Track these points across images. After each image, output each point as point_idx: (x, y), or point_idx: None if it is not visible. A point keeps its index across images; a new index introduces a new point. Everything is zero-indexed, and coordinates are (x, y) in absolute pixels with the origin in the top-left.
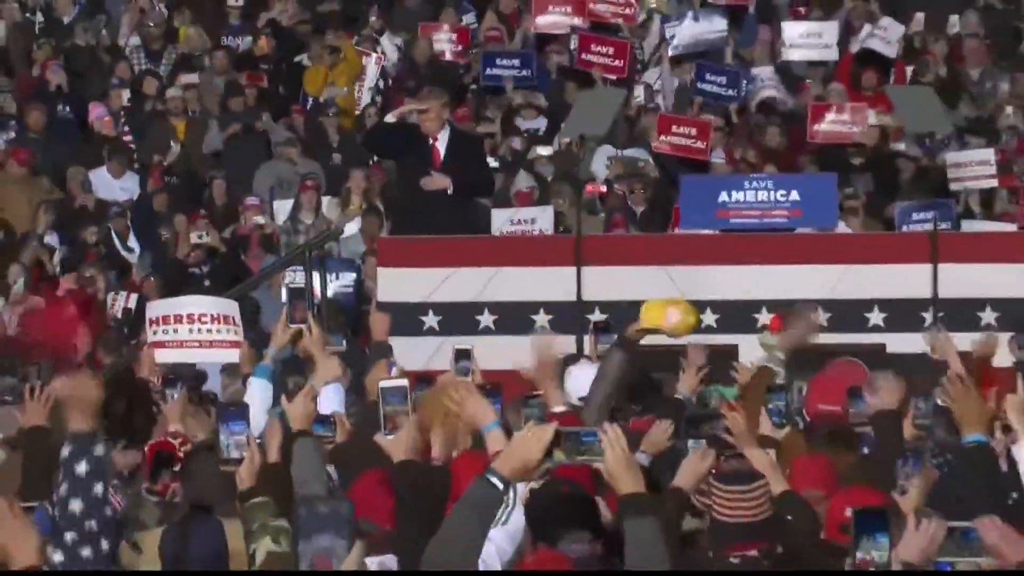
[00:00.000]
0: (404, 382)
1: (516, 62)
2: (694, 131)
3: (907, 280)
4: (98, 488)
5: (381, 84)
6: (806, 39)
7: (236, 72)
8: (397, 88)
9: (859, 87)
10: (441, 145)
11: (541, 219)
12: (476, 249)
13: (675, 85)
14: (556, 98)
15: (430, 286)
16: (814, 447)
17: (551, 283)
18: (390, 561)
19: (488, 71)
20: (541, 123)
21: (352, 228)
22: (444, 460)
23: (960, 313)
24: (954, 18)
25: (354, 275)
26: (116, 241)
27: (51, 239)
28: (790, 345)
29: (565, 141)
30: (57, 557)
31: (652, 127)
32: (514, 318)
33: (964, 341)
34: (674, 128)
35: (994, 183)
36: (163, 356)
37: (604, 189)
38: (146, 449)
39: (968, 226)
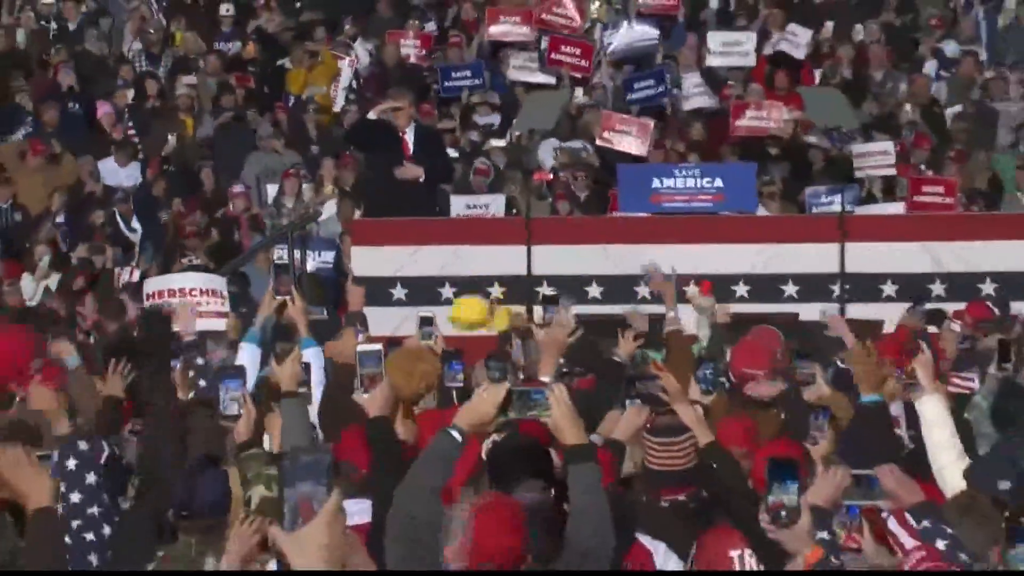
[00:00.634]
0: (379, 347)
1: (468, 72)
2: (635, 129)
3: (817, 257)
4: (90, 478)
5: (354, 84)
6: (727, 47)
7: (227, 74)
8: (368, 87)
9: (773, 87)
10: (409, 138)
11: (494, 204)
12: (438, 230)
13: (612, 86)
14: (508, 97)
15: (398, 262)
16: (737, 406)
17: (504, 260)
18: (365, 506)
19: (446, 83)
20: (495, 119)
21: (330, 211)
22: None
23: (864, 286)
24: (859, 27)
25: (333, 253)
26: (120, 222)
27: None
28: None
29: (516, 134)
30: (67, 540)
31: (593, 123)
32: (471, 290)
33: (868, 310)
34: (618, 126)
35: (893, 171)
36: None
37: (550, 177)
38: None
39: (871, 209)
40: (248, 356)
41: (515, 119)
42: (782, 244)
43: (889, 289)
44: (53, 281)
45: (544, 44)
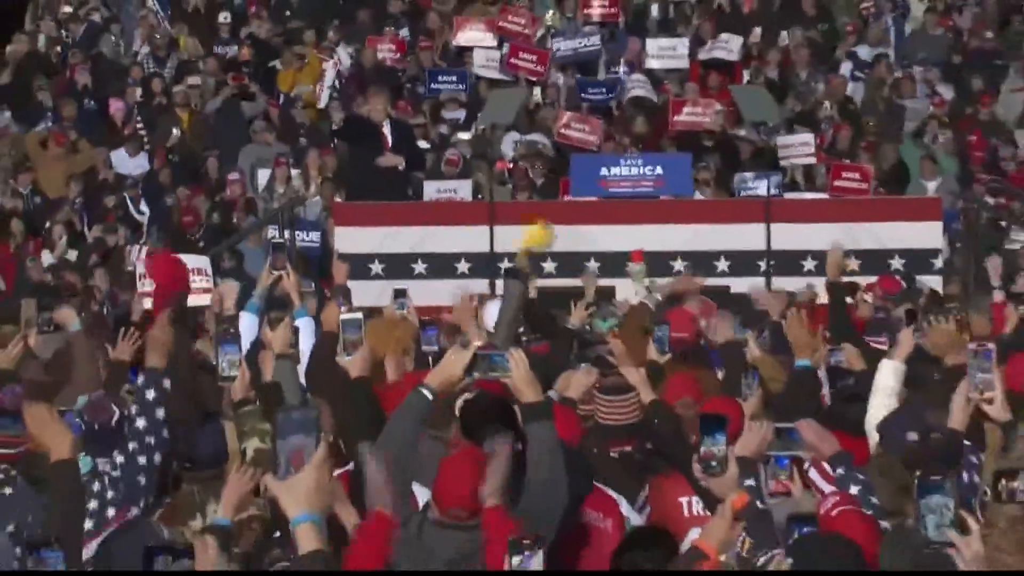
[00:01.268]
0: (359, 315)
1: (454, 78)
2: (587, 127)
3: (746, 236)
4: (159, 412)
5: (337, 83)
6: (664, 51)
7: (224, 74)
8: (349, 86)
9: (707, 87)
10: (387, 131)
11: (461, 190)
12: (411, 212)
13: (564, 86)
14: (474, 96)
15: (376, 241)
16: (675, 366)
17: (470, 239)
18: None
19: (432, 85)
20: (461, 114)
21: (315, 195)
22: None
23: (787, 262)
24: (784, 33)
25: (319, 233)
26: (130, 206)
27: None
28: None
29: (481, 128)
30: (119, 459)
31: (549, 118)
32: (441, 266)
33: (791, 283)
34: (574, 124)
35: (813, 160)
36: (149, 303)
37: (511, 165)
38: None
39: (793, 194)
40: (247, 323)
41: (480, 114)
42: (715, 224)
43: (809, 264)
44: (69, 257)
45: (505, 49)
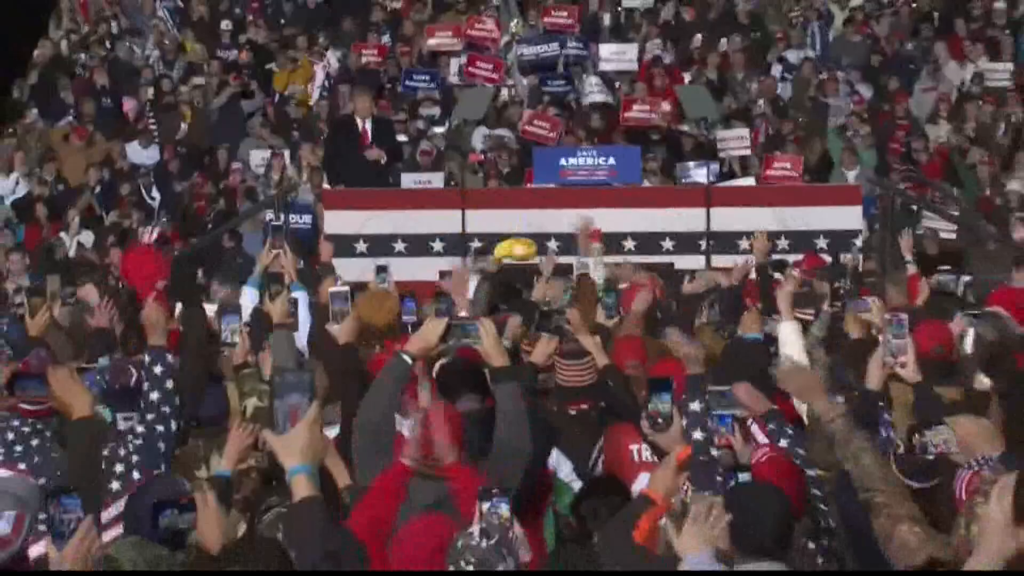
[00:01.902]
0: (346, 289)
1: (426, 77)
2: (548, 125)
3: (688, 219)
4: (169, 384)
5: (327, 84)
6: (615, 55)
7: (226, 75)
8: (337, 86)
9: (654, 86)
10: (369, 127)
11: (436, 179)
12: (392, 198)
13: (527, 86)
14: (446, 94)
15: (360, 222)
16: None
17: (444, 222)
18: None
19: (407, 82)
20: (436, 110)
21: (306, 182)
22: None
23: (725, 242)
24: (723, 39)
25: (310, 216)
26: (143, 193)
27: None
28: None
29: (453, 123)
30: (140, 429)
31: (515, 115)
32: (418, 245)
33: (729, 260)
34: (535, 121)
35: (748, 152)
36: None
37: (481, 157)
38: None
39: (730, 182)
40: (249, 296)
41: (452, 111)
42: (661, 209)
43: (745, 244)
44: (87, 238)
45: (463, 59)
